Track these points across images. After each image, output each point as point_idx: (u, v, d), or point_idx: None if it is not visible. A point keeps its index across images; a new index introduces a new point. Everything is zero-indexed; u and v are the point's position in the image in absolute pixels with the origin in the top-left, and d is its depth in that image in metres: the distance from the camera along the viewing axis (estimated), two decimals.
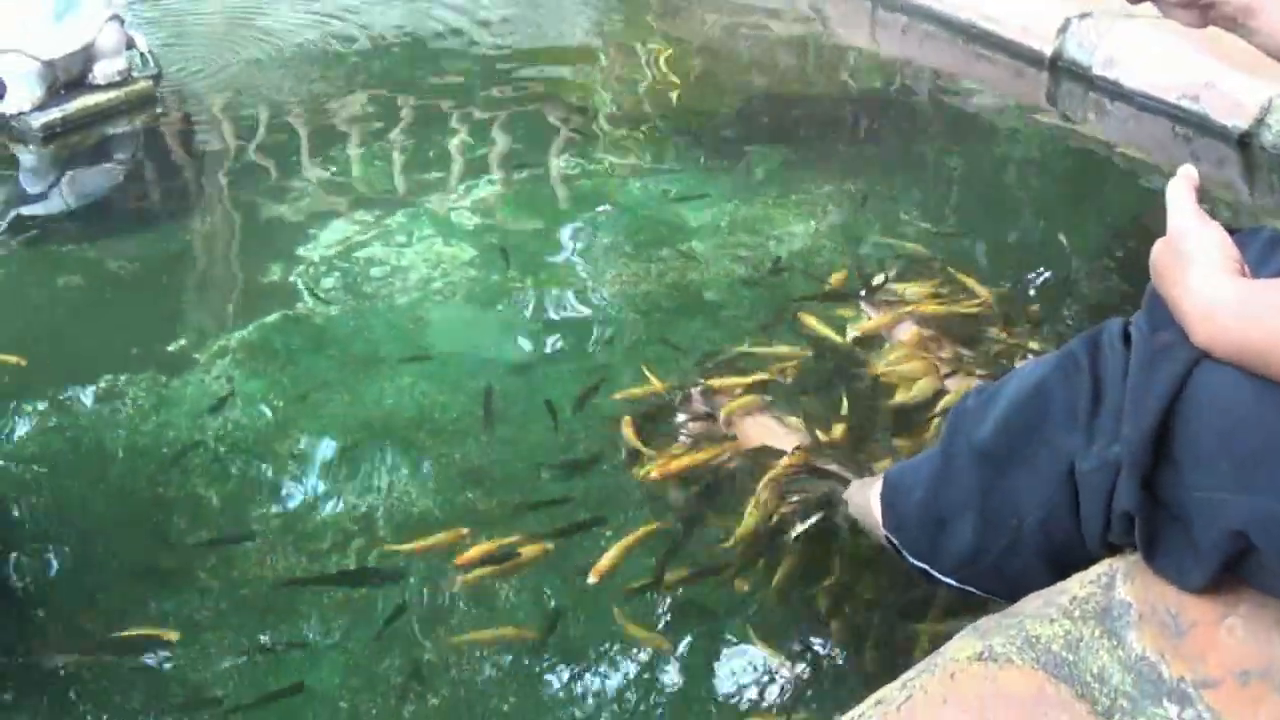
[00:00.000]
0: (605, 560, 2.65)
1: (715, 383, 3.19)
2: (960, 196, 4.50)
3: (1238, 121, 4.75)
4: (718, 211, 4.20)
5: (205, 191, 4.47)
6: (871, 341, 3.40)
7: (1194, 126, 4.89)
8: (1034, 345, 3.33)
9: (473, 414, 3.13)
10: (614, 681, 2.43)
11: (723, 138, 4.94)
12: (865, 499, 2.50)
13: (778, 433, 3.01)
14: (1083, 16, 5.53)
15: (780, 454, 2.91)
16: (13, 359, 3.32)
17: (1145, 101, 5.12)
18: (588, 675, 2.44)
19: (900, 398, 3.16)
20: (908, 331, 3.41)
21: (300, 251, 3.92)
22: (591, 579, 2.61)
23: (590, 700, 2.39)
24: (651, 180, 4.45)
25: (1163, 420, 1.71)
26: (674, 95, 5.37)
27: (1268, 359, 1.61)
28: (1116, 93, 5.25)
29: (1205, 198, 4.16)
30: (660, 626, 2.54)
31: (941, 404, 3.11)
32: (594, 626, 2.55)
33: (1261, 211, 4.40)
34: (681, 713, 2.36)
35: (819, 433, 3.01)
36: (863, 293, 3.61)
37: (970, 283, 3.65)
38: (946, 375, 3.22)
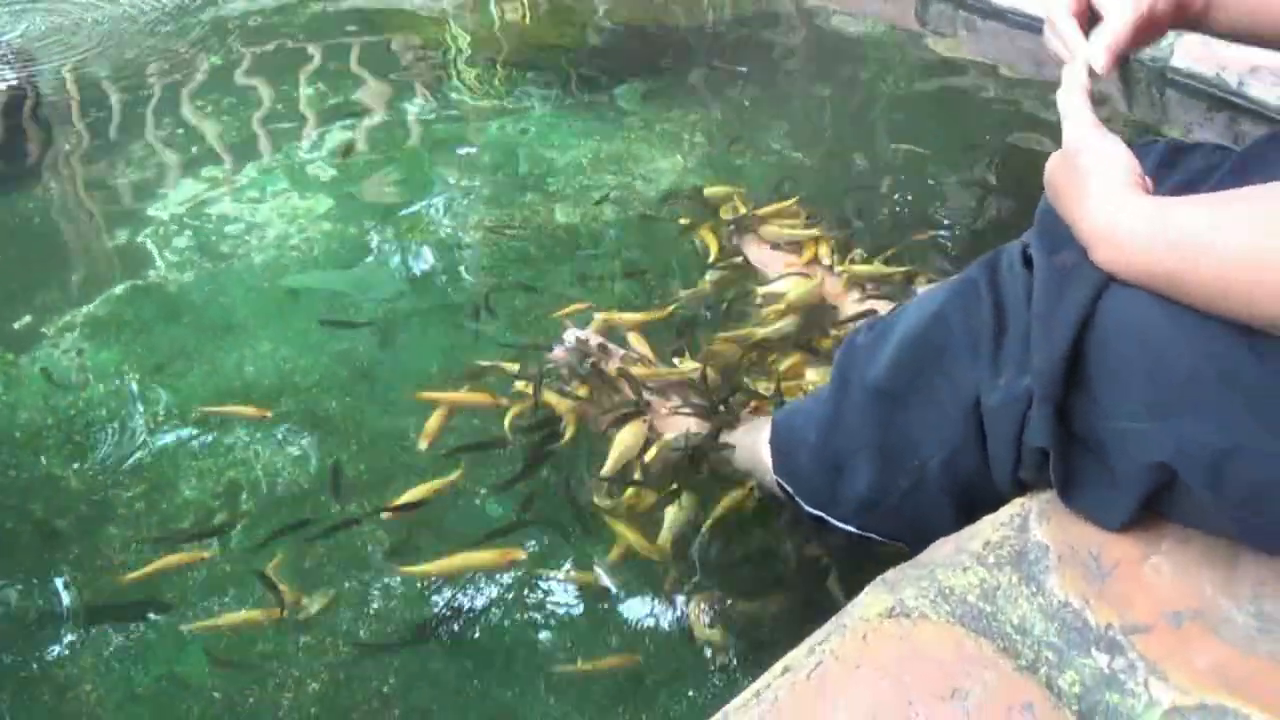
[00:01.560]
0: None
1: (603, 318, 3.07)
2: (832, 123, 4.42)
3: None
4: (580, 149, 4.08)
5: (47, 158, 4.27)
6: (749, 275, 3.31)
7: None
8: (912, 270, 3.26)
9: (335, 376, 3.00)
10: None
11: (581, 73, 4.80)
12: (753, 443, 2.41)
13: (663, 371, 2.89)
14: None
15: (665, 393, 2.80)
16: None
17: (1017, 18, 5.08)
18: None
19: (786, 324, 3.06)
20: (786, 261, 3.31)
21: (150, 213, 3.75)
22: None
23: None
24: (510, 120, 4.32)
25: (1074, 348, 1.63)
26: (529, 31, 5.27)
27: (1176, 282, 1.52)
28: (987, 10, 5.21)
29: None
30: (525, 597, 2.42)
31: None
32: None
33: (1142, 126, 4.36)
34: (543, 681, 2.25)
35: (699, 369, 2.89)
36: (735, 226, 3.49)
37: (845, 211, 3.59)
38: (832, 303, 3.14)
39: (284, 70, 4.83)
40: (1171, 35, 4.49)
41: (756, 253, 3.35)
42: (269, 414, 2.88)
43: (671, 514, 2.49)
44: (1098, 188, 1.65)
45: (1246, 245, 1.43)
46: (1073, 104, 1.80)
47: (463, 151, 4.12)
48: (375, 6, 5.59)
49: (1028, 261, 1.81)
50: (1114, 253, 1.61)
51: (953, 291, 1.91)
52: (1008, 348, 1.78)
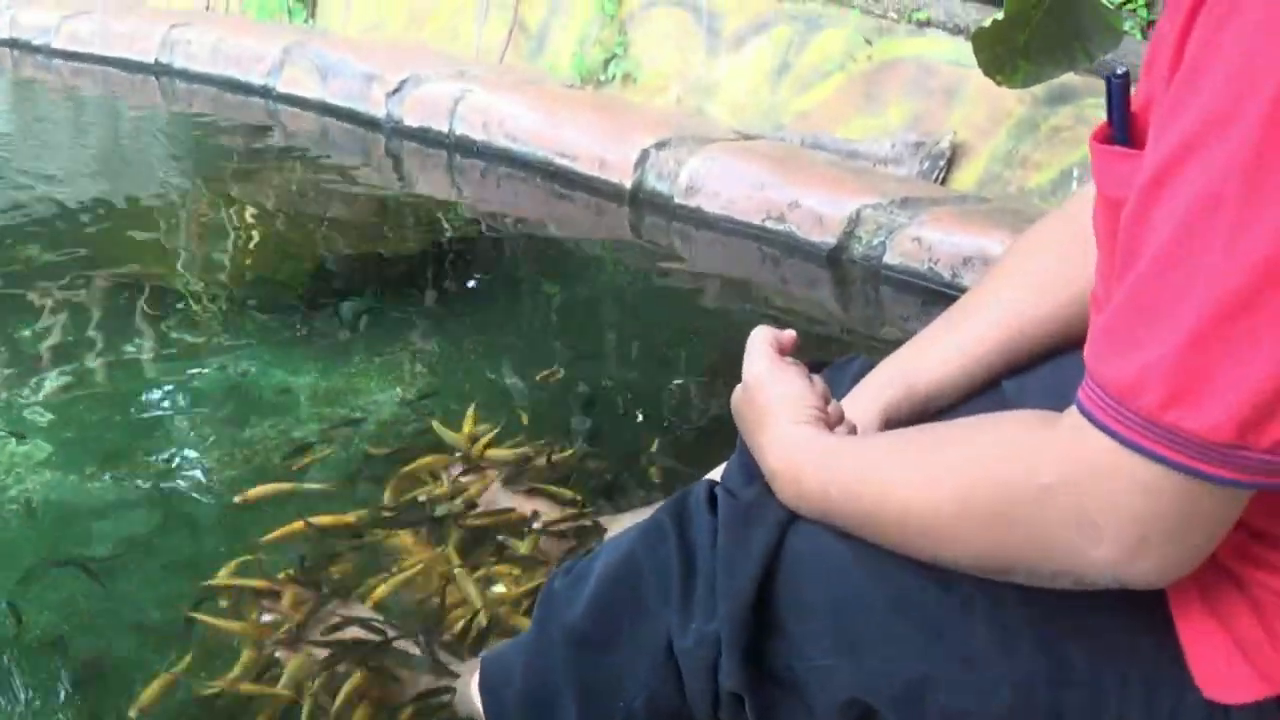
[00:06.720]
0: None
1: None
2: (549, 342, 4.50)
3: (826, 237, 4.87)
4: (299, 385, 4.13)
5: None
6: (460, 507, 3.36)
7: (781, 247, 5.00)
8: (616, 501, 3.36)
9: (57, 630, 2.96)
10: None
11: (301, 305, 4.87)
12: (466, 686, 2.43)
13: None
14: (659, 146, 5.63)
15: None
16: None
17: (730, 226, 5.22)
18: None
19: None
20: (494, 492, 3.38)
21: None
22: None
23: None
24: (230, 358, 4.34)
25: (760, 588, 1.68)
26: (251, 263, 5.29)
27: (853, 524, 1.60)
28: (700, 221, 5.34)
29: (803, 321, 4.26)
30: None
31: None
32: None
33: (858, 326, 4.48)
34: None
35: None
36: (453, 456, 3.56)
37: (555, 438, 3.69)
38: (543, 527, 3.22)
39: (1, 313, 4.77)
40: (883, 234, 4.66)
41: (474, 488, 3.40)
42: None
43: None
44: (774, 424, 1.73)
45: (912, 496, 1.51)
46: (755, 338, 1.88)
47: (184, 392, 4.13)
48: (98, 242, 5.55)
49: (714, 501, 1.87)
50: (792, 494, 1.68)
51: (642, 534, 1.96)
52: (697, 590, 1.81)
